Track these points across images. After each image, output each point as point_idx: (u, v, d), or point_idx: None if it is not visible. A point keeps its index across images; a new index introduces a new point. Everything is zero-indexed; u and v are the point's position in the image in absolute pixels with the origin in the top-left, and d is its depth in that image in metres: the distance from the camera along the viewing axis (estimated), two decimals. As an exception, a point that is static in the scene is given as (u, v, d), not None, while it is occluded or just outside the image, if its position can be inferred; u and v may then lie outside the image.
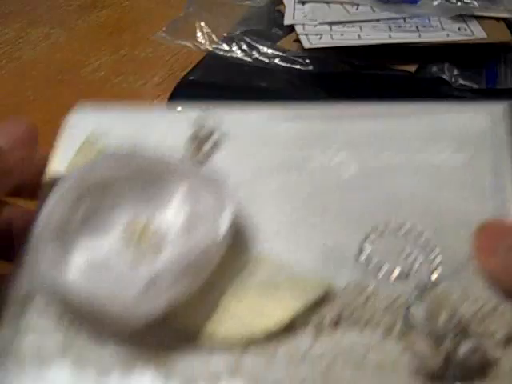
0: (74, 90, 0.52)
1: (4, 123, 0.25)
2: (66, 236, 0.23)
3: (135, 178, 0.24)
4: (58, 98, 0.51)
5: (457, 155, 0.25)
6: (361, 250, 0.23)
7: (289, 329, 0.22)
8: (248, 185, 0.25)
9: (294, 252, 0.24)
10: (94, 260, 0.23)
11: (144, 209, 0.24)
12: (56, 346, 0.23)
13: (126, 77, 0.53)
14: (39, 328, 0.23)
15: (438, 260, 0.23)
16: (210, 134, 0.27)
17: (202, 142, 0.27)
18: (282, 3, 0.54)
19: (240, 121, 0.27)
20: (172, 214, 0.24)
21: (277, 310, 0.22)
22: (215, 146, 0.27)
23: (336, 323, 0.22)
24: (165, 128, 0.28)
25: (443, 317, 0.21)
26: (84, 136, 0.28)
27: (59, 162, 0.27)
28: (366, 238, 0.24)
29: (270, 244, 0.24)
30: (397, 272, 0.23)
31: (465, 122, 0.25)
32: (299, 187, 0.25)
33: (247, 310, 0.22)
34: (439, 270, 0.23)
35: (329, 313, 0.22)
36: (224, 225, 0.22)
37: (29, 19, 0.62)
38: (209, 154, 0.26)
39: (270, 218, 0.24)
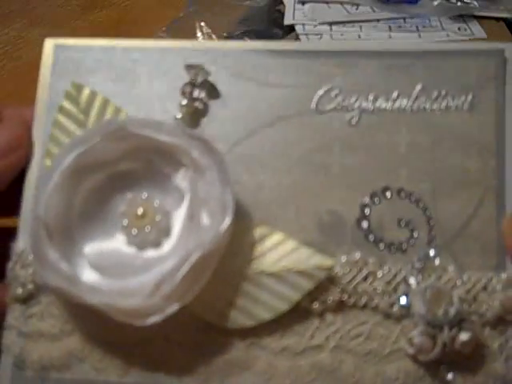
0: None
1: None
2: (69, 225, 0.23)
3: (132, 157, 0.23)
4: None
5: (458, 101, 0.23)
6: (360, 218, 0.23)
7: (294, 314, 0.22)
8: (243, 142, 0.24)
9: (294, 221, 0.23)
10: (102, 250, 0.22)
11: (143, 187, 0.23)
12: (71, 352, 0.22)
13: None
14: (47, 334, 0.23)
15: (435, 228, 0.22)
16: (206, 76, 0.25)
17: (198, 87, 0.25)
18: (282, 3, 0.54)
19: (234, 60, 0.25)
20: (172, 193, 0.23)
21: (285, 293, 0.22)
22: (212, 90, 0.25)
23: (338, 306, 0.22)
24: (157, 70, 0.25)
25: (441, 309, 0.21)
26: (67, 78, 0.26)
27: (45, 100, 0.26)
28: (366, 204, 0.23)
29: (270, 214, 0.23)
30: (395, 243, 0.22)
31: (468, 64, 0.24)
32: (297, 142, 0.23)
33: (256, 295, 0.22)
34: (436, 240, 0.22)
35: (331, 296, 0.21)
36: (228, 212, 0.21)
37: (29, 19, 0.62)
38: (205, 101, 0.24)
39: (267, 181, 0.23)
